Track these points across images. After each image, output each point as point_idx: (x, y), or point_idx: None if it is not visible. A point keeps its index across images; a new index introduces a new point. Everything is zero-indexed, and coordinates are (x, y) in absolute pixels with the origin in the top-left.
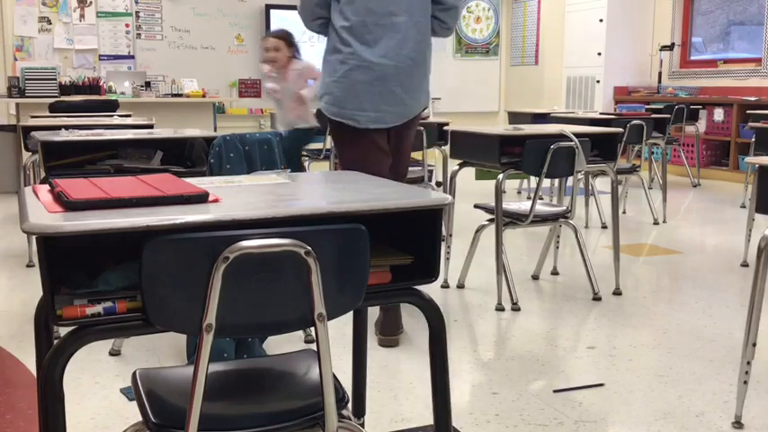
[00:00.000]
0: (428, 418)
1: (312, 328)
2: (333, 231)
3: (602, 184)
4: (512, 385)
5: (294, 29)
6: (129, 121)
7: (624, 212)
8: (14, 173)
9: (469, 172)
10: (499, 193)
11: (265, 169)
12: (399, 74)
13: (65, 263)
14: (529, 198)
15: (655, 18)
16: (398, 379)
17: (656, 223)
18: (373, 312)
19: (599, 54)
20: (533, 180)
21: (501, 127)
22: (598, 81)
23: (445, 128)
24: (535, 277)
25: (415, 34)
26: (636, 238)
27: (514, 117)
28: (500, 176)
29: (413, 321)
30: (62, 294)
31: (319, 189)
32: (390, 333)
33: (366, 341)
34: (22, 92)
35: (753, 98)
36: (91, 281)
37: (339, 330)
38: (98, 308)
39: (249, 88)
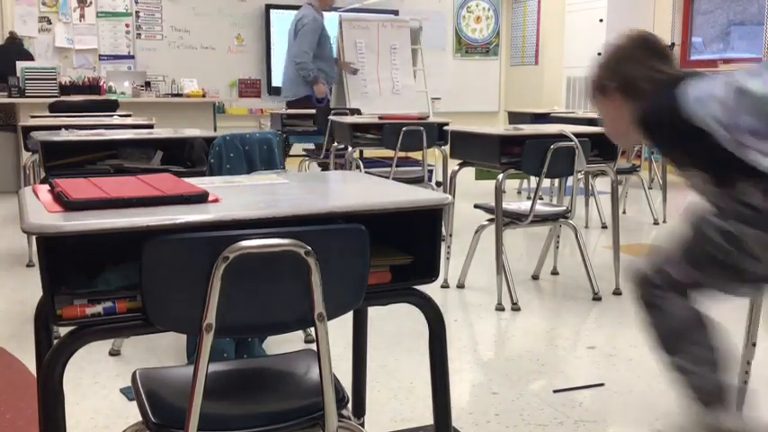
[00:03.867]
0: (428, 418)
1: (312, 328)
2: (333, 231)
3: (602, 184)
4: (512, 385)
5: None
6: (129, 120)
7: (624, 212)
8: (14, 173)
9: (469, 172)
10: (499, 192)
11: (265, 169)
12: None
13: (65, 263)
14: (529, 198)
15: (655, 18)
16: (398, 379)
17: (656, 223)
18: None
19: (599, 54)
20: (533, 180)
21: (501, 127)
22: None
23: (445, 128)
24: (535, 277)
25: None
26: (636, 238)
27: (514, 117)
28: (500, 176)
29: (413, 321)
30: (62, 294)
31: (319, 189)
32: None
33: (366, 341)
34: (22, 92)
35: None
36: (91, 281)
37: (339, 330)
38: (98, 308)
39: (249, 88)
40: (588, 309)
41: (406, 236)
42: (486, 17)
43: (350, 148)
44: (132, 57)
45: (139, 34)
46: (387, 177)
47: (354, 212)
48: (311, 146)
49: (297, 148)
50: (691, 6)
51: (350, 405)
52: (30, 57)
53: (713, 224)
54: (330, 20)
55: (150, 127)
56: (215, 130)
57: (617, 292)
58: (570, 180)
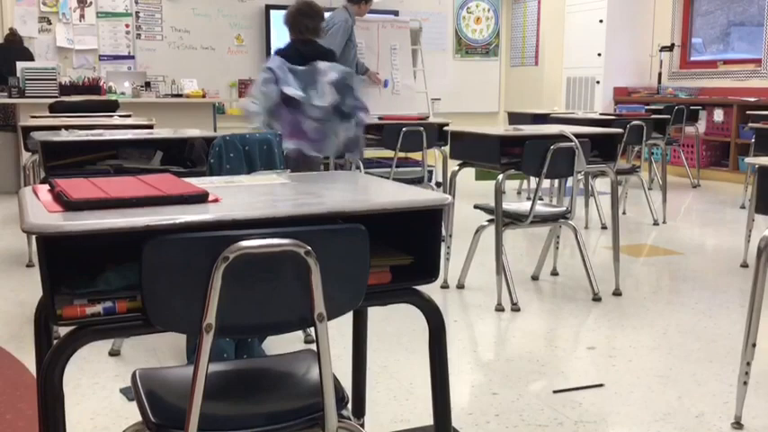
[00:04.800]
0: (428, 419)
1: (312, 329)
2: (333, 231)
3: (601, 185)
4: (511, 386)
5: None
6: (129, 121)
7: (624, 213)
8: (14, 173)
9: (469, 172)
10: (499, 193)
11: (265, 169)
12: None
13: (65, 263)
14: (529, 199)
15: (655, 19)
16: (398, 379)
17: (655, 224)
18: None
19: (599, 55)
20: (533, 181)
21: (501, 127)
22: (598, 82)
23: (445, 128)
24: (535, 278)
25: None
26: (636, 239)
27: (514, 117)
28: (500, 177)
29: (412, 322)
30: (62, 294)
31: (319, 189)
32: None
33: (366, 341)
34: (22, 92)
35: (752, 99)
36: (91, 281)
37: (339, 331)
38: (98, 308)
39: (249, 89)
40: (588, 309)
41: (406, 236)
42: (486, 18)
43: None
44: (132, 57)
45: (139, 34)
46: (387, 178)
47: (354, 213)
48: None
49: None
50: (691, 7)
51: (350, 405)
52: (29, 54)
53: None
54: None
55: (150, 127)
56: (215, 130)
57: (617, 293)
58: (570, 181)
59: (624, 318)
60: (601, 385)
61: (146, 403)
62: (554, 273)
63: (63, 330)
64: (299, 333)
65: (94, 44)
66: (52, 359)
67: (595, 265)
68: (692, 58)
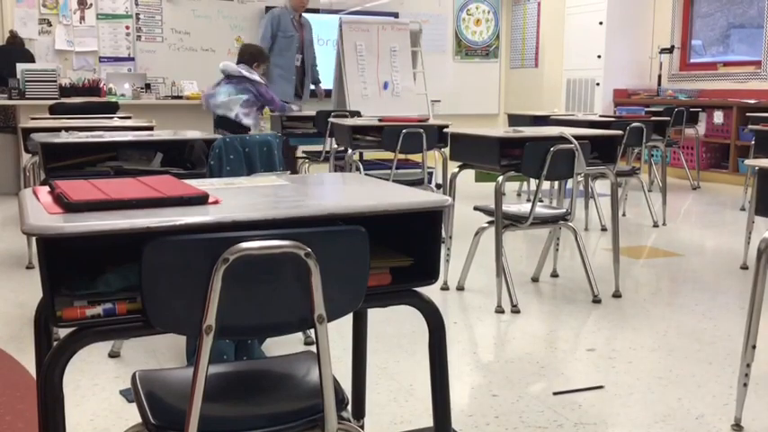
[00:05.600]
0: (428, 421)
1: (312, 330)
2: (333, 233)
3: (601, 187)
4: (511, 387)
5: None
6: (129, 123)
7: (624, 215)
8: (14, 175)
9: (469, 174)
10: (499, 195)
11: (265, 171)
12: None
13: (65, 264)
14: (529, 200)
15: (654, 21)
16: (398, 381)
17: (655, 226)
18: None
19: (599, 57)
20: (533, 182)
21: (501, 129)
22: (598, 83)
23: (445, 130)
24: (535, 279)
25: None
26: (635, 241)
27: (514, 119)
28: (500, 179)
29: (412, 324)
30: (62, 296)
31: (319, 191)
32: None
33: (366, 343)
34: (22, 94)
35: (752, 101)
36: (91, 282)
37: (339, 332)
38: (98, 309)
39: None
40: (588, 311)
41: (406, 238)
42: (486, 20)
43: (350, 151)
44: (132, 59)
45: (139, 36)
46: (387, 179)
47: (354, 214)
48: (317, 147)
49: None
50: (690, 9)
51: (350, 407)
52: (30, 56)
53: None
54: (330, 22)
55: (150, 129)
56: (215, 131)
57: (616, 295)
58: (570, 182)
59: (624, 319)
60: (601, 387)
61: (145, 405)
62: (554, 274)
63: (63, 332)
64: (299, 334)
65: (95, 46)
66: (52, 360)
67: (595, 267)
68: (691, 60)
